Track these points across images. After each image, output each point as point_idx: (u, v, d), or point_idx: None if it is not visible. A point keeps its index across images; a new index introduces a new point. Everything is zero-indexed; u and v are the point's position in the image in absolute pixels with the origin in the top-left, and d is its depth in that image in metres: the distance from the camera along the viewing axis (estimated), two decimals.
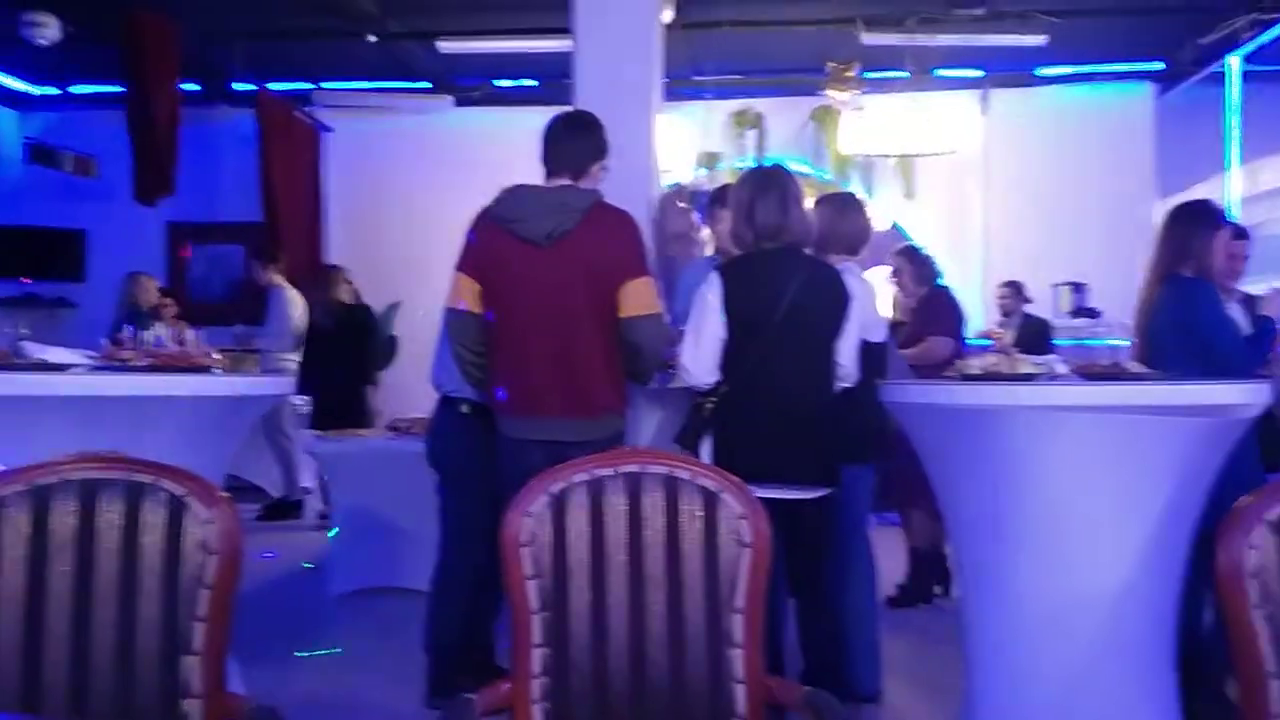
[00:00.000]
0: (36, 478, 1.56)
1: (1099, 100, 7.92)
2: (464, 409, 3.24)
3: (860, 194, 6.77)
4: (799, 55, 7.43)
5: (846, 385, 2.88)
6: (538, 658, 1.67)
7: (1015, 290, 6.51)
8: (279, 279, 6.91)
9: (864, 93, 7.46)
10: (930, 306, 4.68)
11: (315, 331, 6.63)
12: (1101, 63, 7.71)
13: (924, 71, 7.31)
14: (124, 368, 2.73)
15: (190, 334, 2.95)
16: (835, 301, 2.81)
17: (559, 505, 1.71)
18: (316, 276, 6.98)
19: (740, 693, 1.71)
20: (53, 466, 1.58)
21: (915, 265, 4.81)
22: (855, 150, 7.67)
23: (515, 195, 2.83)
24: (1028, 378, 2.55)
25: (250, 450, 6.86)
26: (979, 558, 2.62)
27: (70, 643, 1.52)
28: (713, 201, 3.69)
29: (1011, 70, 7.83)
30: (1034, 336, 5.75)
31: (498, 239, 2.79)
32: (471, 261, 2.85)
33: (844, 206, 3.40)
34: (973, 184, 8.01)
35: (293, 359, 6.67)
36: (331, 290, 6.71)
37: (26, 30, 6.27)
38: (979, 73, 7.90)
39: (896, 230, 7.84)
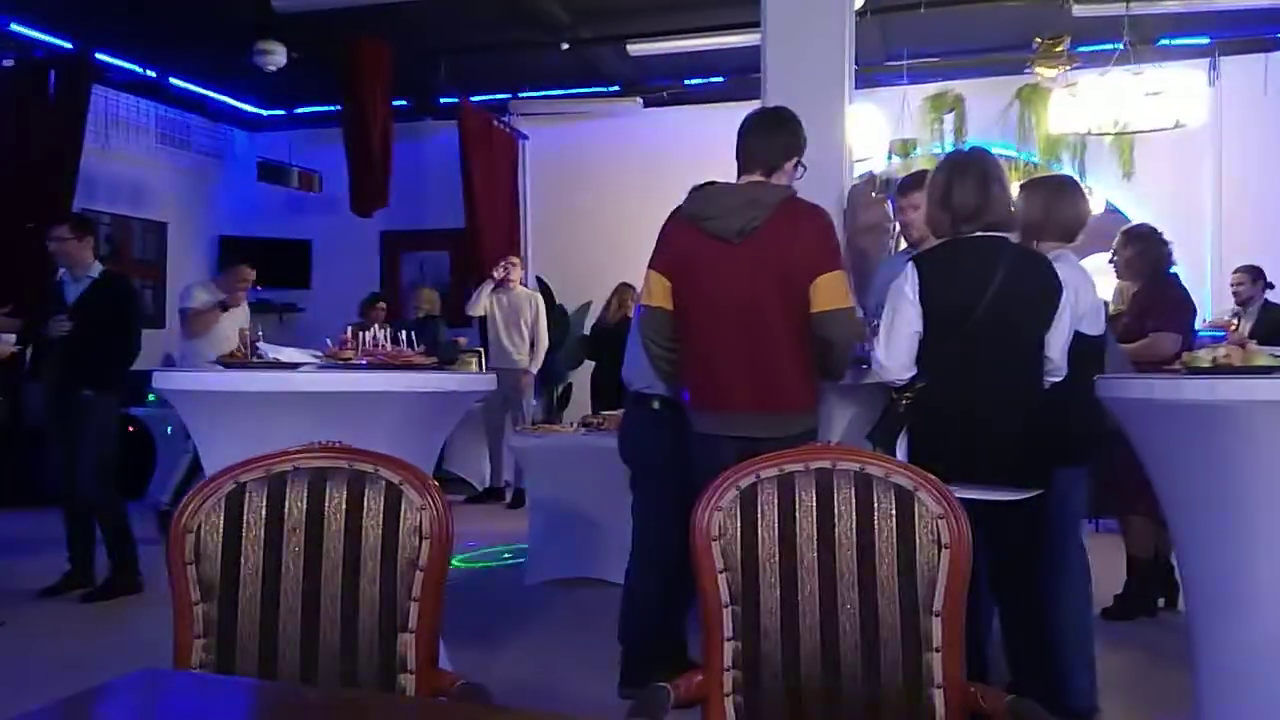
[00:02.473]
0: (273, 465, 1.71)
1: None
2: (655, 405, 3.29)
3: (1075, 177, 6.35)
4: (1002, 33, 7.06)
5: (1057, 380, 2.71)
6: (729, 651, 1.67)
7: (1254, 276, 5.91)
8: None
9: (1075, 68, 7.00)
10: (1154, 297, 4.21)
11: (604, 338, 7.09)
12: None
13: (1143, 42, 6.77)
14: (346, 366, 2.95)
15: (404, 335, 3.16)
16: (1044, 291, 2.65)
17: (749, 500, 1.70)
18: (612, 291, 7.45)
19: (939, 698, 1.65)
20: (286, 455, 1.72)
21: (1138, 248, 4.26)
22: (1066, 130, 7.19)
23: (706, 193, 2.85)
24: (1266, 371, 2.31)
25: (453, 444, 7.33)
26: (1209, 567, 2.40)
27: (301, 616, 1.65)
28: (901, 188, 3.56)
29: (1244, 35, 7.12)
30: (1275, 326, 5.20)
31: (689, 237, 2.82)
32: (663, 259, 2.89)
33: (1059, 190, 3.19)
34: (1200, 161, 7.36)
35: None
36: (622, 303, 7.17)
37: (257, 58, 6.92)
38: (1206, 40, 7.24)
39: (1114, 212, 7.31)
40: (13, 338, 4.54)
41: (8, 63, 6.99)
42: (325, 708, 1.34)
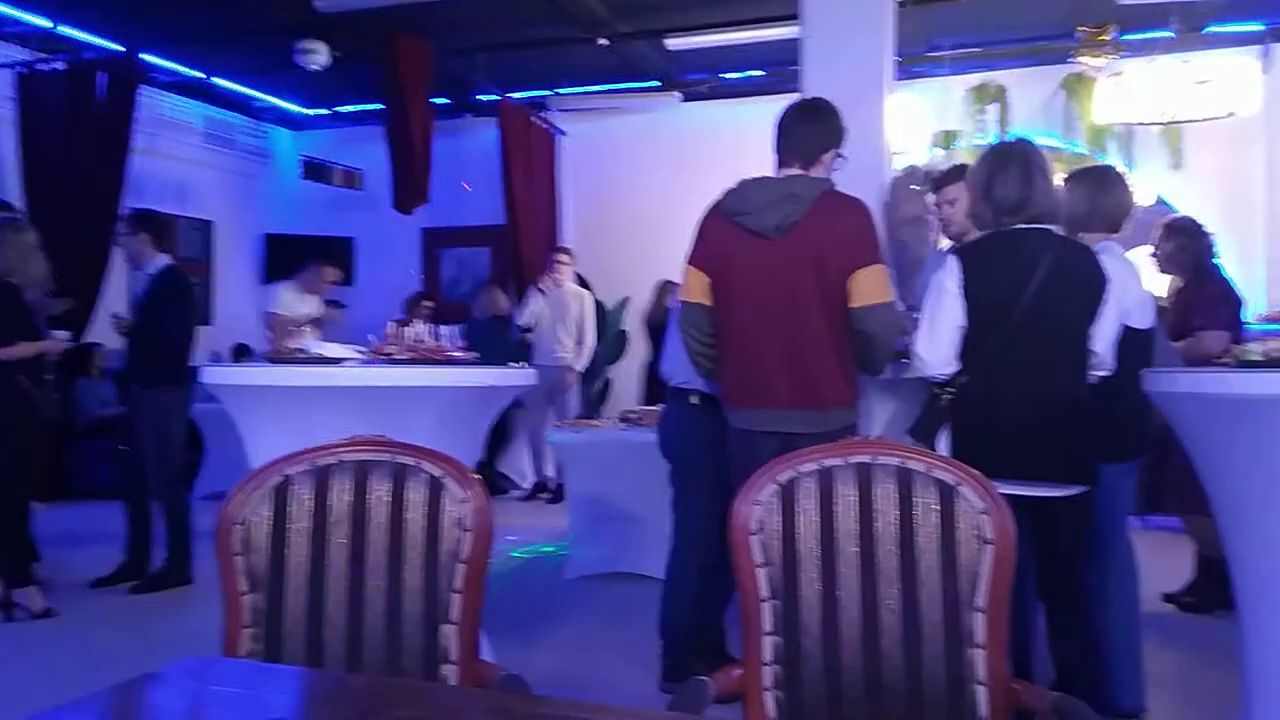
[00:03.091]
0: (318, 458, 1.74)
1: None
2: (693, 400, 3.29)
3: (1119, 167, 6.23)
4: (1046, 22, 6.95)
5: (1103, 374, 2.67)
6: (769, 646, 1.67)
7: None
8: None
9: (1122, 56, 6.87)
10: (1196, 293, 4.09)
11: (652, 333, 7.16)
12: None
13: (1192, 29, 6.62)
14: (389, 361, 2.98)
15: (444, 330, 3.19)
16: (1089, 284, 2.61)
17: (787, 494, 1.70)
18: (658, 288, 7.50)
19: (982, 695, 1.63)
20: (331, 448, 1.75)
21: (1179, 242, 4.15)
22: (1112, 120, 7.07)
23: (744, 188, 2.83)
24: None
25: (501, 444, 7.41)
26: (1259, 565, 2.35)
27: (346, 607, 1.68)
28: (936, 184, 3.52)
29: None
30: None
31: (727, 232, 2.81)
32: (701, 255, 2.89)
33: (1102, 180, 3.14)
34: (1252, 150, 7.19)
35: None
36: (662, 299, 7.24)
37: (299, 57, 7.02)
38: (1259, 26, 7.07)
39: (1162, 204, 7.17)
40: (66, 334, 4.64)
41: (58, 65, 7.15)
42: (370, 695, 1.36)
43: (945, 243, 3.73)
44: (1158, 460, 3.02)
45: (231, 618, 1.67)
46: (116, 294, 7.00)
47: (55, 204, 6.67)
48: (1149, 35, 6.67)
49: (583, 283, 8.41)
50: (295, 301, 5.96)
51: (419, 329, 3.15)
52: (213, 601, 1.73)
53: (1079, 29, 6.83)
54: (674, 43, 7.32)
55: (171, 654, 1.46)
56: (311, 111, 9.59)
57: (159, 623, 4.23)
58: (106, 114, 7.07)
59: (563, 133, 8.90)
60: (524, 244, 8.06)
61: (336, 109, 9.47)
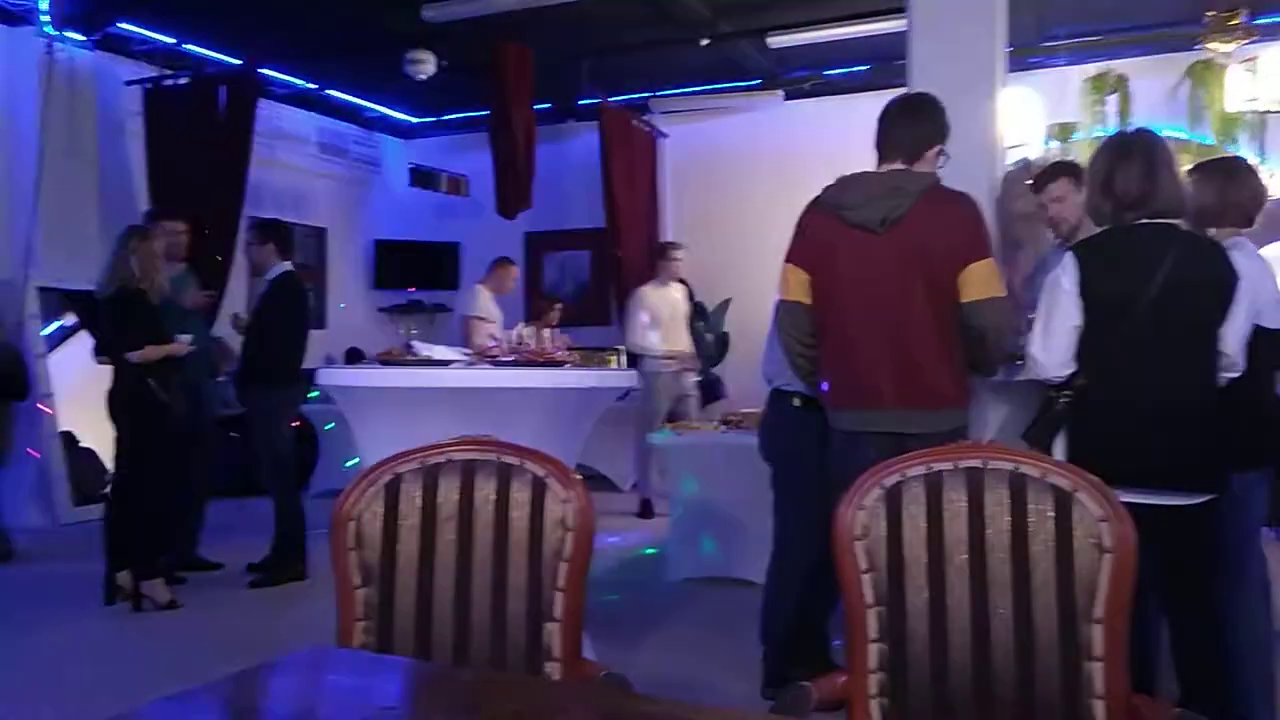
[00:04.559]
0: (427, 457, 1.79)
1: None
2: (795, 402, 3.25)
3: (1251, 158, 5.87)
4: (1169, 7, 6.62)
5: (1234, 377, 2.52)
6: (874, 653, 1.64)
7: None
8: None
9: (1253, 42, 6.49)
10: None
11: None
12: None
13: None
14: (494, 363, 3.05)
15: (547, 333, 3.24)
16: (1218, 281, 2.47)
17: (893, 499, 1.66)
18: None
19: (1100, 709, 1.56)
20: (439, 448, 1.80)
21: None
22: (1243, 108, 6.67)
23: (846, 183, 2.78)
24: None
25: (595, 441, 7.35)
26: None
27: (453, 602, 1.72)
28: (1038, 182, 3.37)
29: None
30: None
31: (828, 227, 2.76)
32: (801, 251, 2.84)
33: (1233, 171, 2.98)
34: None
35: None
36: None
37: (408, 67, 7.23)
38: None
39: None
40: (188, 337, 4.86)
41: (182, 81, 7.53)
42: (477, 688, 1.39)
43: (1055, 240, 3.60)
44: None
45: (346, 610, 1.73)
46: (238, 298, 7.33)
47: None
48: None
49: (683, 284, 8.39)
50: (490, 304, 6.08)
51: (525, 331, 3.21)
52: (327, 595, 1.79)
53: (1206, 14, 6.48)
54: (776, 40, 7.24)
55: (289, 645, 1.51)
56: (419, 120, 9.86)
57: (277, 615, 4.41)
58: (227, 126, 7.40)
59: (664, 135, 8.91)
60: (625, 247, 8.09)
61: (443, 117, 9.70)
